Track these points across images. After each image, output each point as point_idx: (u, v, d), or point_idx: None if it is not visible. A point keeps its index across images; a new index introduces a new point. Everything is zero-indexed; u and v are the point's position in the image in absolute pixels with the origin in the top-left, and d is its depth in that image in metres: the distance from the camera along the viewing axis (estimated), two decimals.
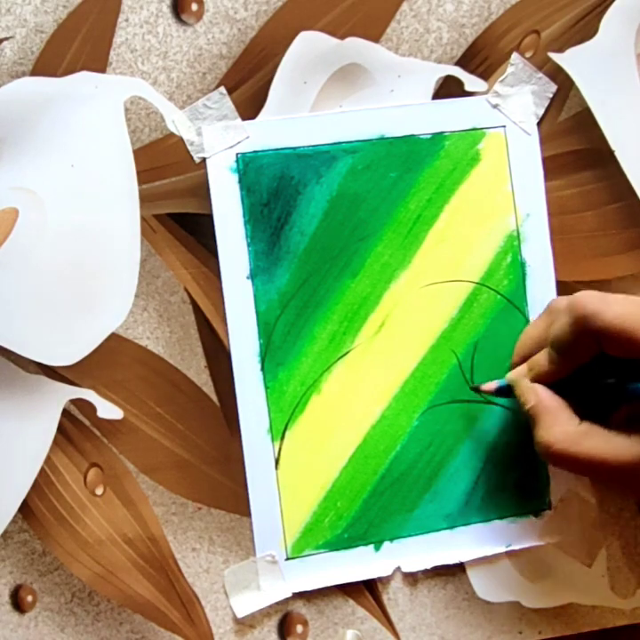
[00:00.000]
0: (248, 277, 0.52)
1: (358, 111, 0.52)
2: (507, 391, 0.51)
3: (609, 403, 0.49)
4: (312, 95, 0.52)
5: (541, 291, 0.54)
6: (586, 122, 0.55)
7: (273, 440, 0.52)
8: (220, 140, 0.51)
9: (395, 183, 0.53)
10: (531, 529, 0.55)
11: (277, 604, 0.53)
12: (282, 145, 0.52)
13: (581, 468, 0.48)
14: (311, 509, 0.53)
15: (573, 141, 0.55)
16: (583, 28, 0.54)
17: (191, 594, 0.52)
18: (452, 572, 0.55)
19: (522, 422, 0.54)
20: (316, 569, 0.53)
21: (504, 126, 0.54)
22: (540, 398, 0.49)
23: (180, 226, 0.51)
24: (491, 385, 0.52)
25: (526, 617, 0.55)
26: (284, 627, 0.53)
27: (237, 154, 0.51)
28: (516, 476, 0.55)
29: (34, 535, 0.51)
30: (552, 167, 0.54)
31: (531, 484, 0.55)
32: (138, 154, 0.51)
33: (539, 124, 0.54)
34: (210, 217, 0.51)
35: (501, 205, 0.54)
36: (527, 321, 0.54)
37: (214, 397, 0.52)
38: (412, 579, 0.54)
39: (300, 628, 0.53)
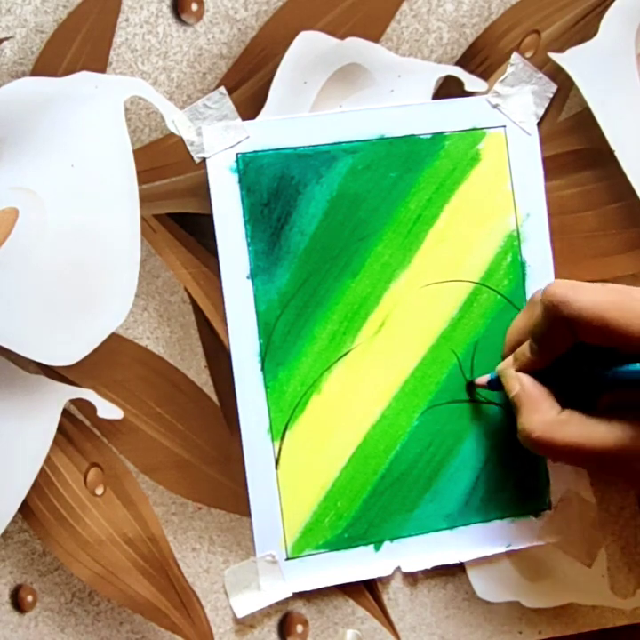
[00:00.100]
0: (248, 277, 0.52)
1: (358, 111, 0.52)
2: (497, 383, 0.52)
3: (592, 390, 0.49)
4: (312, 95, 0.52)
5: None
6: (586, 122, 0.55)
7: (273, 440, 0.52)
8: (220, 140, 0.51)
9: (395, 183, 0.53)
10: (531, 529, 0.55)
11: (277, 603, 0.53)
12: (282, 145, 0.52)
13: (561, 455, 0.48)
14: (311, 509, 0.53)
15: (573, 141, 0.55)
16: (583, 28, 0.54)
17: (191, 594, 0.52)
18: (452, 572, 0.55)
19: None
20: (316, 569, 0.53)
21: (504, 126, 0.54)
22: (524, 386, 0.50)
23: (180, 226, 0.51)
24: (483, 378, 0.53)
25: (526, 617, 0.55)
26: (284, 627, 0.53)
27: (237, 154, 0.51)
28: (516, 476, 0.55)
29: (34, 535, 0.51)
30: (552, 167, 0.54)
31: (531, 483, 0.55)
32: (138, 154, 0.51)
33: (539, 123, 0.54)
34: (210, 217, 0.51)
35: (501, 205, 0.54)
36: None
37: (214, 397, 0.52)
38: (412, 579, 0.54)
39: (300, 628, 0.54)
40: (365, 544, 0.54)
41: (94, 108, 0.50)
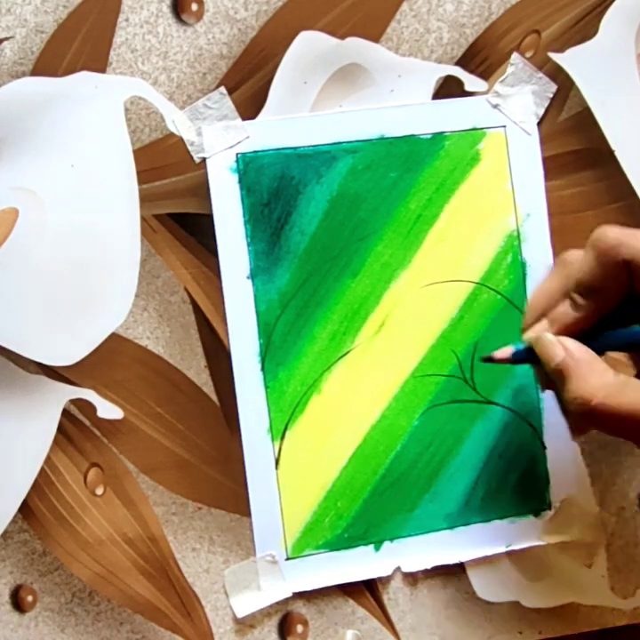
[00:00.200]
0: (248, 277, 0.52)
1: (358, 111, 0.52)
2: (525, 355, 0.46)
3: None
4: (312, 95, 0.52)
5: None
6: (586, 122, 0.55)
7: (273, 440, 0.52)
8: (220, 140, 0.51)
9: (395, 183, 0.53)
10: (531, 529, 0.55)
11: (277, 603, 0.53)
12: (282, 145, 0.52)
13: (624, 424, 0.42)
14: (311, 509, 0.53)
15: (573, 141, 0.55)
16: (583, 28, 0.54)
17: (191, 594, 0.52)
18: (452, 572, 0.55)
19: (522, 422, 0.55)
20: (316, 569, 0.53)
21: (504, 126, 0.54)
22: (571, 351, 0.44)
23: (180, 226, 0.51)
24: (506, 350, 0.47)
25: (526, 617, 0.55)
26: (285, 627, 0.53)
27: (237, 154, 0.51)
28: (516, 476, 0.55)
29: (34, 535, 0.51)
30: (552, 167, 0.54)
31: (531, 483, 0.55)
32: (138, 154, 0.51)
33: (539, 123, 0.54)
34: (210, 217, 0.51)
35: (501, 205, 0.54)
36: None
37: (214, 397, 0.52)
38: (412, 579, 0.54)
39: (300, 628, 0.54)
40: (365, 544, 0.54)
41: (94, 108, 0.50)
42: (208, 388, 0.52)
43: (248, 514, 0.52)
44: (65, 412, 0.51)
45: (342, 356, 0.53)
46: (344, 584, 0.54)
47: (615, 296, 0.44)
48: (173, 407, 0.52)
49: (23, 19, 0.49)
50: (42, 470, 0.51)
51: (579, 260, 0.45)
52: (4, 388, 0.50)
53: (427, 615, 0.55)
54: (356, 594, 0.54)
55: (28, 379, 0.50)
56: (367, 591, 0.54)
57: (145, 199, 0.51)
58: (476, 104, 0.54)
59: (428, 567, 0.54)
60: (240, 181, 0.51)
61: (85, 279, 0.50)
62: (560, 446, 0.55)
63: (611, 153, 0.55)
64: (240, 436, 0.52)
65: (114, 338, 0.51)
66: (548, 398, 0.54)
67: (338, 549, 0.53)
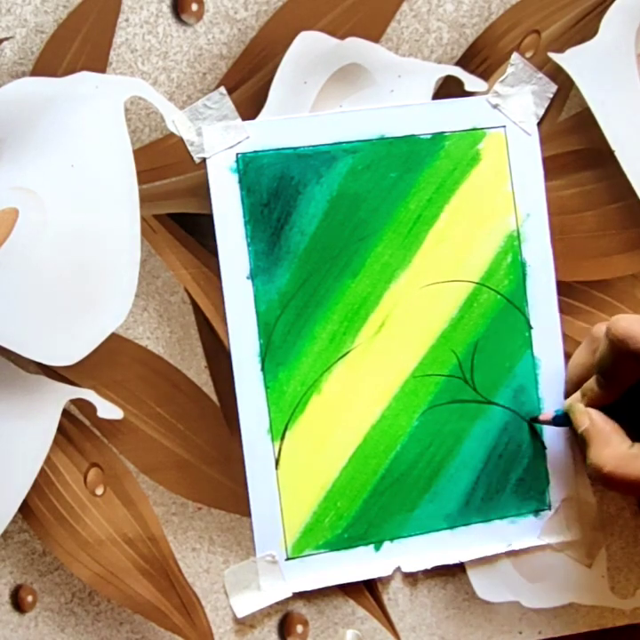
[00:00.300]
0: (248, 277, 0.52)
1: (358, 111, 0.52)
2: (562, 419, 0.53)
3: None
4: (312, 95, 0.52)
5: (541, 291, 0.54)
6: (586, 122, 0.55)
7: (273, 440, 0.52)
8: (220, 140, 0.51)
9: (395, 183, 0.53)
10: (531, 529, 0.55)
11: (277, 603, 0.53)
12: (282, 145, 0.52)
13: (631, 489, 0.49)
14: (311, 509, 0.53)
15: (573, 141, 0.55)
16: (583, 28, 0.54)
17: (191, 594, 0.52)
18: (452, 572, 0.55)
19: (522, 422, 0.55)
20: (316, 569, 0.53)
21: (504, 126, 0.54)
22: (594, 421, 0.50)
23: (180, 226, 0.51)
24: (547, 414, 0.54)
25: (526, 617, 0.55)
26: (285, 627, 0.53)
27: (237, 154, 0.51)
28: (516, 476, 0.55)
29: (34, 535, 0.51)
30: (552, 167, 0.54)
31: (530, 484, 0.55)
32: (138, 154, 0.51)
33: (539, 124, 0.54)
34: (210, 217, 0.51)
35: (501, 205, 0.54)
36: (527, 321, 0.54)
37: (214, 397, 0.52)
38: (412, 579, 0.54)
39: (300, 628, 0.53)
40: (365, 544, 0.54)
41: (94, 108, 0.50)
42: (208, 388, 0.52)
43: (248, 514, 0.52)
44: (65, 412, 0.51)
45: (342, 356, 0.53)
46: (344, 584, 0.54)
47: (631, 378, 0.49)
48: (173, 407, 0.52)
49: (23, 19, 0.49)
50: (42, 470, 0.51)
51: (602, 337, 0.49)
52: (3, 388, 0.50)
53: (427, 615, 0.55)
54: (356, 594, 0.54)
55: (28, 379, 0.50)
56: (367, 591, 0.54)
57: (145, 199, 0.51)
58: (476, 104, 0.54)
59: (429, 567, 0.54)
60: (240, 181, 0.51)
61: (85, 279, 0.50)
62: (560, 446, 0.55)
63: (611, 153, 0.55)
64: (240, 435, 0.52)
65: (114, 338, 0.51)
66: (547, 398, 0.55)
67: (338, 549, 0.53)
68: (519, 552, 0.55)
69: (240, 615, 0.53)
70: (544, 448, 0.55)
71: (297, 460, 0.52)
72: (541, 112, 0.54)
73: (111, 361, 0.51)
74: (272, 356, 0.52)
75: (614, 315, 0.55)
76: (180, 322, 0.52)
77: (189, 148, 0.51)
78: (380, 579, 0.54)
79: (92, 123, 0.50)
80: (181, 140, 0.51)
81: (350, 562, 0.54)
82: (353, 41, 0.52)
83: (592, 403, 0.51)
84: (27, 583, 0.51)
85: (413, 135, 0.53)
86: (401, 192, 0.53)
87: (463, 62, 0.53)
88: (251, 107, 0.52)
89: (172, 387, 0.52)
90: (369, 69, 0.53)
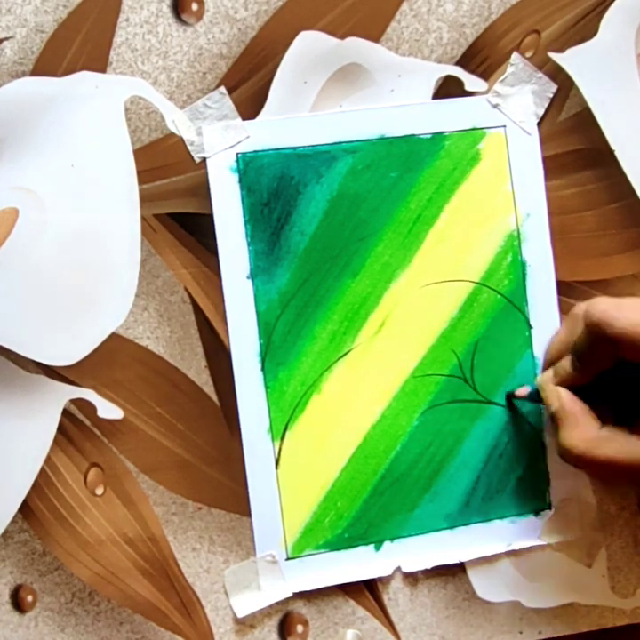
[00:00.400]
0: (248, 277, 0.52)
1: (358, 111, 0.52)
2: (537, 396, 0.52)
3: (633, 407, 0.49)
4: (312, 95, 0.52)
5: (541, 290, 0.54)
6: (586, 122, 0.55)
7: (273, 440, 0.52)
8: (220, 140, 0.51)
9: (395, 183, 0.53)
10: (531, 529, 0.55)
11: (278, 603, 0.53)
12: (282, 145, 0.52)
13: (602, 471, 0.49)
14: (311, 509, 0.53)
15: (573, 141, 0.55)
16: (583, 28, 0.54)
17: (191, 594, 0.52)
18: (453, 572, 0.55)
19: (522, 422, 0.55)
20: (316, 569, 0.53)
21: (504, 126, 0.54)
22: (563, 402, 0.50)
23: (181, 225, 0.51)
24: (523, 390, 0.53)
25: (526, 617, 0.55)
26: (285, 626, 0.53)
27: (237, 154, 0.51)
28: (516, 476, 0.55)
29: (34, 535, 0.51)
30: (552, 167, 0.54)
31: (531, 483, 0.55)
32: (138, 154, 0.51)
33: (539, 123, 0.54)
34: (210, 217, 0.51)
35: (501, 205, 0.54)
36: (527, 320, 0.54)
37: (214, 397, 0.52)
38: (413, 579, 0.54)
39: (300, 628, 0.53)
40: (365, 544, 0.54)
41: (94, 108, 0.50)
42: (208, 388, 0.52)
43: (248, 514, 0.52)
44: (65, 412, 0.51)
45: (342, 356, 0.53)
46: (344, 584, 0.54)
47: (605, 362, 0.48)
48: (173, 407, 0.52)
49: (23, 18, 0.49)
50: (42, 470, 0.51)
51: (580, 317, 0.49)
52: (3, 387, 0.50)
53: (427, 615, 0.55)
54: (356, 594, 0.54)
55: (28, 378, 0.50)
56: (367, 591, 0.54)
57: (145, 199, 0.51)
58: (475, 104, 0.54)
59: (429, 567, 0.54)
60: (240, 181, 0.51)
61: (85, 279, 0.50)
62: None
63: (611, 153, 0.55)
64: (240, 435, 0.52)
65: (114, 338, 0.51)
66: None
67: (338, 549, 0.53)
68: (519, 552, 0.55)
69: (240, 615, 0.53)
70: (544, 448, 0.55)
71: (297, 459, 0.52)
72: (541, 112, 0.54)
73: (111, 361, 0.51)
74: (272, 355, 0.52)
75: None
76: (180, 321, 0.52)
77: (189, 148, 0.51)
78: (380, 579, 0.54)
79: (92, 122, 0.50)
80: (181, 139, 0.51)
81: (350, 562, 0.54)
82: (353, 41, 0.52)
83: (564, 382, 0.50)
84: (27, 583, 0.51)
85: (413, 135, 0.53)
86: (401, 192, 0.53)
87: (463, 62, 0.53)
88: (251, 106, 0.52)
89: (172, 386, 0.52)
90: (369, 69, 0.53)
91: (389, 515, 0.54)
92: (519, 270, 0.54)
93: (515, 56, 0.54)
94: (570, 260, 0.55)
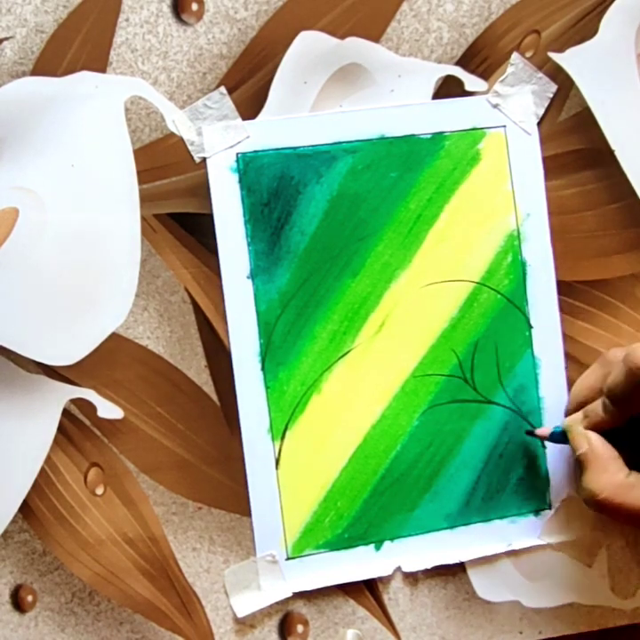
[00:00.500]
0: (248, 277, 0.52)
1: (358, 111, 0.52)
2: (560, 437, 0.52)
3: None
4: (312, 95, 0.52)
5: (542, 290, 0.54)
6: (586, 122, 0.55)
7: (273, 440, 0.52)
8: (220, 140, 0.51)
9: (395, 183, 0.53)
10: (531, 529, 0.55)
11: (278, 603, 0.53)
12: (282, 145, 0.52)
13: (627, 518, 0.48)
14: (311, 509, 0.53)
15: (573, 141, 0.55)
16: (583, 28, 0.54)
17: (191, 594, 0.52)
18: (453, 572, 0.55)
19: (522, 422, 0.55)
20: (316, 569, 0.53)
21: (504, 126, 0.54)
22: (593, 446, 0.49)
23: (181, 225, 0.51)
24: (545, 430, 0.53)
25: (527, 617, 0.55)
26: (285, 626, 0.53)
27: (237, 154, 0.51)
28: (516, 476, 0.55)
29: (34, 535, 0.51)
30: (552, 167, 0.54)
31: (531, 483, 0.55)
32: (138, 154, 0.51)
33: (539, 123, 0.54)
34: (210, 217, 0.51)
35: (501, 205, 0.54)
36: (527, 320, 0.54)
37: (214, 397, 0.52)
38: (413, 578, 0.54)
39: (300, 628, 0.53)
40: (366, 544, 0.54)
41: (94, 108, 0.50)
42: (208, 388, 0.52)
43: (248, 514, 0.52)
44: (65, 412, 0.51)
45: (342, 356, 0.53)
46: (344, 584, 0.54)
47: None
48: (173, 407, 0.52)
49: (23, 18, 0.49)
50: (42, 470, 0.51)
51: (616, 362, 0.49)
52: (3, 387, 0.50)
53: (427, 615, 0.55)
54: (356, 594, 0.54)
55: (29, 378, 0.50)
56: (367, 591, 0.54)
57: (145, 199, 0.51)
58: (475, 104, 0.54)
59: (429, 567, 0.54)
60: (240, 181, 0.51)
61: (85, 279, 0.50)
62: (560, 446, 0.55)
63: (611, 153, 0.55)
64: (240, 435, 0.52)
65: (114, 338, 0.51)
66: (548, 398, 0.55)
67: (338, 549, 0.53)
68: (519, 552, 0.55)
69: (240, 615, 0.53)
70: (544, 448, 0.55)
71: (297, 459, 0.52)
72: (541, 112, 0.54)
73: (111, 361, 0.51)
74: (272, 355, 0.52)
75: (615, 314, 0.55)
76: (181, 321, 0.52)
77: (189, 148, 0.51)
78: (380, 578, 0.54)
79: (92, 122, 0.50)
80: (181, 139, 0.51)
81: (350, 562, 0.54)
82: (353, 41, 0.52)
83: (593, 426, 0.50)
84: (27, 583, 0.51)
85: (413, 135, 0.53)
86: (401, 192, 0.53)
87: (463, 62, 0.53)
88: (251, 106, 0.52)
89: (172, 386, 0.52)
90: (369, 69, 0.53)
91: (389, 515, 0.54)
92: (519, 270, 0.54)
93: (515, 56, 0.54)
94: (570, 260, 0.55)
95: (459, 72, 0.53)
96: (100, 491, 0.51)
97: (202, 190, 0.51)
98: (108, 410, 0.51)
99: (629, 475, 0.48)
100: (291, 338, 0.52)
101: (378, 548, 0.54)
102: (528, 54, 0.54)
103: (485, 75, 0.54)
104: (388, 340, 0.53)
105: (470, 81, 0.54)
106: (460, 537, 0.54)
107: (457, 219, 0.54)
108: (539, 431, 0.53)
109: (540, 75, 0.54)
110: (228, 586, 0.53)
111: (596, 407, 0.50)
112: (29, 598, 0.51)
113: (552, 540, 0.55)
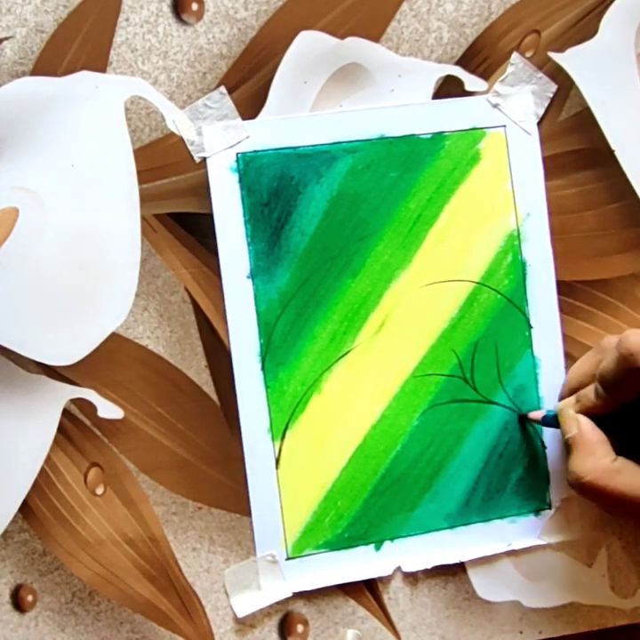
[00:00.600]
0: (248, 277, 0.52)
1: (358, 111, 0.52)
2: (552, 421, 0.52)
3: None
4: (312, 95, 0.52)
5: (542, 290, 0.54)
6: (586, 122, 0.55)
7: (273, 440, 0.52)
8: (220, 140, 0.51)
9: (395, 183, 0.53)
10: (531, 529, 0.55)
11: (278, 603, 0.53)
12: (282, 145, 0.52)
13: (609, 503, 0.49)
14: (311, 509, 0.53)
15: (573, 141, 0.55)
16: (583, 28, 0.54)
17: (191, 594, 0.52)
18: (453, 572, 0.55)
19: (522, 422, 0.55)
20: (316, 569, 0.53)
21: (504, 126, 0.54)
22: (582, 429, 0.49)
23: (181, 225, 0.51)
24: (538, 413, 0.53)
25: (527, 617, 0.55)
26: (285, 626, 0.53)
27: (237, 153, 0.51)
28: (516, 476, 0.55)
29: (34, 535, 0.51)
30: (552, 167, 0.54)
31: (531, 483, 0.55)
32: (138, 154, 0.51)
33: (539, 123, 0.54)
34: (210, 216, 0.51)
35: (501, 205, 0.54)
36: (527, 320, 0.54)
37: (215, 397, 0.52)
38: (413, 578, 0.54)
39: (300, 628, 0.53)
40: (366, 544, 0.54)
41: (94, 108, 0.50)
42: (208, 388, 0.52)
43: (248, 513, 0.52)
44: (65, 412, 0.51)
45: (342, 356, 0.53)
46: (344, 584, 0.54)
47: (632, 393, 0.48)
48: (173, 407, 0.52)
49: (23, 18, 0.49)
50: (42, 470, 0.51)
51: (609, 348, 0.49)
52: (4, 387, 0.50)
53: (427, 615, 0.55)
54: (356, 593, 0.54)
55: (29, 378, 0.50)
56: (367, 591, 0.54)
57: (145, 199, 0.51)
58: (475, 104, 0.54)
59: (429, 567, 0.54)
60: (240, 181, 0.51)
61: (85, 279, 0.50)
62: (560, 446, 0.55)
63: (611, 153, 0.55)
64: (240, 435, 0.52)
65: (114, 338, 0.51)
66: (548, 398, 0.55)
67: (338, 549, 0.53)
68: (519, 552, 0.55)
69: (240, 615, 0.53)
70: (544, 448, 0.55)
71: (297, 459, 0.52)
72: (541, 112, 0.54)
73: (111, 360, 0.51)
74: (272, 355, 0.52)
75: (614, 314, 0.55)
76: (181, 321, 0.52)
77: (189, 148, 0.51)
78: (380, 578, 0.54)
79: (92, 122, 0.50)
80: (181, 139, 0.51)
81: (350, 561, 0.54)
82: (353, 41, 0.52)
83: (585, 410, 0.50)
84: (27, 583, 0.51)
85: (413, 135, 0.53)
86: (401, 192, 0.53)
87: (463, 62, 0.53)
88: (251, 106, 0.52)
89: (172, 386, 0.52)
90: (369, 69, 0.53)
91: (389, 514, 0.54)
92: (519, 270, 0.54)
93: (515, 56, 0.54)
94: (570, 260, 0.55)
95: (459, 72, 0.53)
96: (100, 491, 0.51)
97: (202, 190, 0.51)
98: (108, 410, 0.51)
99: (616, 460, 0.48)
100: (291, 338, 0.52)
101: (378, 547, 0.54)
102: (528, 54, 0.54)
103: (485, 75, 0.54)
104: (387, 339, 0.53)
105: (470, 81, 0.54)
106: (459, 537, 0.54)
107: (457, 219, 0.54)
108: (532, 414, 0.54)
109: (540, 75, 0.54)
110: (228, 586, 0.53)
111: (589, 392, 0.50)
112: (29, 598, 0.51)
113: (552, 539, 0.55)
